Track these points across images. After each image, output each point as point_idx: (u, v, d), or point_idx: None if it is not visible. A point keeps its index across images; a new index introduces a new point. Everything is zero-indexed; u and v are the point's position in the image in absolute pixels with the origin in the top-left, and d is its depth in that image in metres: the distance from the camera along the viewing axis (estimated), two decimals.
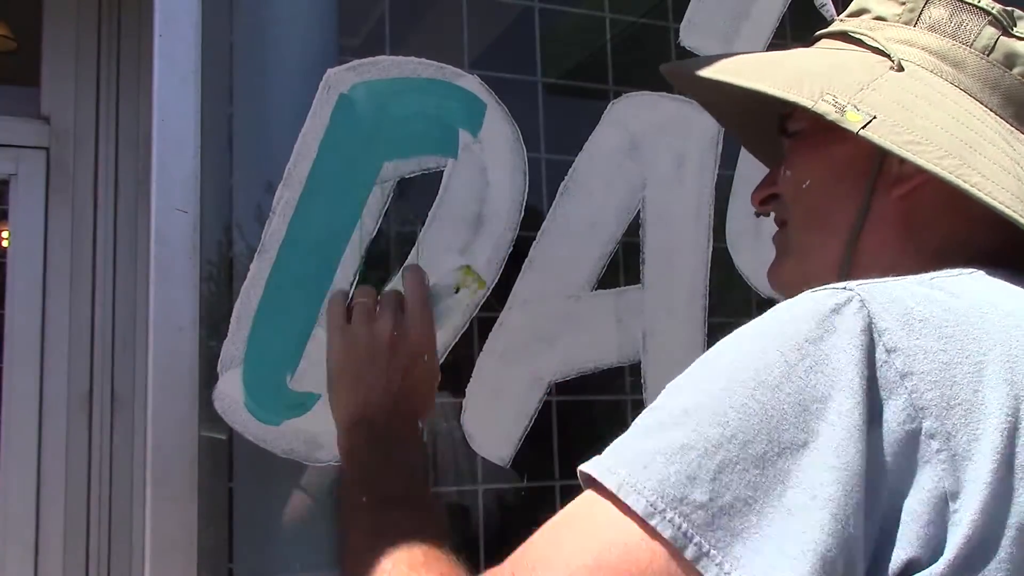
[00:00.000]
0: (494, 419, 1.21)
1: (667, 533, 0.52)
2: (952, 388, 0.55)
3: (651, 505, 0.53)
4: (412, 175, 1.18)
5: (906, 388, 0.55)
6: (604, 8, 1.46)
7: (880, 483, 0.53)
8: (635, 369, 1.30)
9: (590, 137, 1.29)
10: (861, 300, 0.58)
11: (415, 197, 1.25)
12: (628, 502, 0.54)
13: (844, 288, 0.59)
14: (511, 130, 1.21)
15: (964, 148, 0.69)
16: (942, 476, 0.53)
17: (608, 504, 0.56)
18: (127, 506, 1.50)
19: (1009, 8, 0.78)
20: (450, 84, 1.18)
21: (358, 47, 1.37)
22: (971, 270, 0.66)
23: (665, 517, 0.53)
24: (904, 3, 0.79)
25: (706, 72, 0.81)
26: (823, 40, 0.85)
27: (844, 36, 0.82)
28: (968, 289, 0.63)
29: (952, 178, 0.66)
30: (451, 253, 1.18)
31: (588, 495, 0.59)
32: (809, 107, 0.71)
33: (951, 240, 0.73)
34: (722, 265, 1.34)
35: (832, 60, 0.79)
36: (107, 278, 1.53)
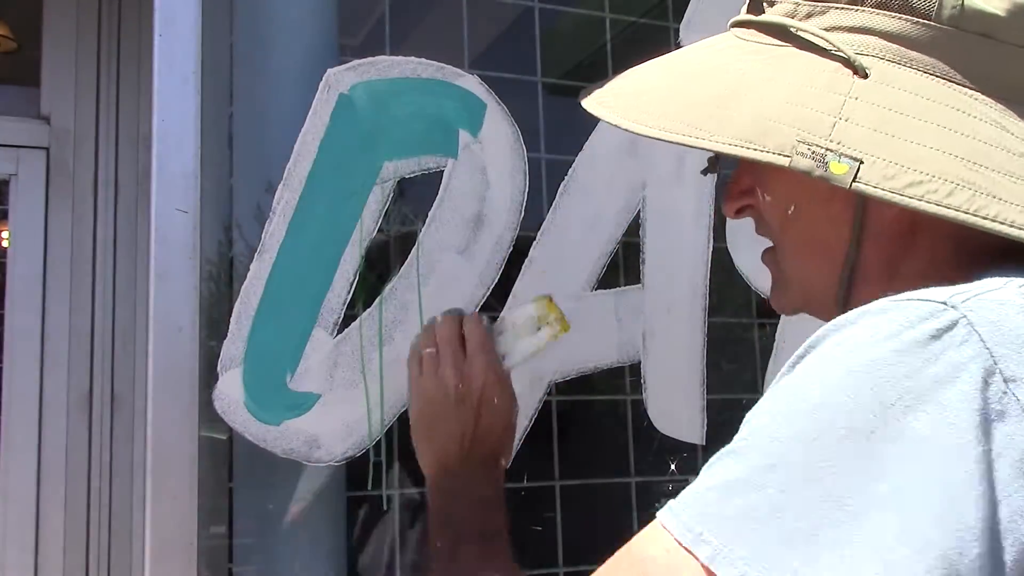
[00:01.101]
0: None
1: None
2: None
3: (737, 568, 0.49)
4: (412, 175, 1.18)
5: None
6: (604, 8, 1.46)
7: (1008, 527, 0.49)
8: (635, 369, 1.30)
9: (590, 137, 1.29)
10: (968, 323, 0.52)
11: (415, 197, 1.25)
12: (721, 574, 0.50)
13: (945, 306, 0.53)
14: (511, 130, 1.21)
15: (969, 170, 0.61)
16: None
17: (699, 570, 0.51)
18: (127, 506, 1.50)
19: None
20: (450, 84, 1.19)
21: (358, 47, 1.37)
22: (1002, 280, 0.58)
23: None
24: None
25: (650, 127, 0.68)
26: (751, 30, 0.72)
27: (780, 30, 0.70)
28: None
29: (969, 217, 0.59)
30: (451, 253, 1.18)
31: (672, 551, 0.52)
32: (787, 166, 0.62)
33: (964, 241, 0.65)
34: (722, 265, 1.34)
35: (786, 86, 0.66)
36: (107, 278, 1.53)
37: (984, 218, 0.59)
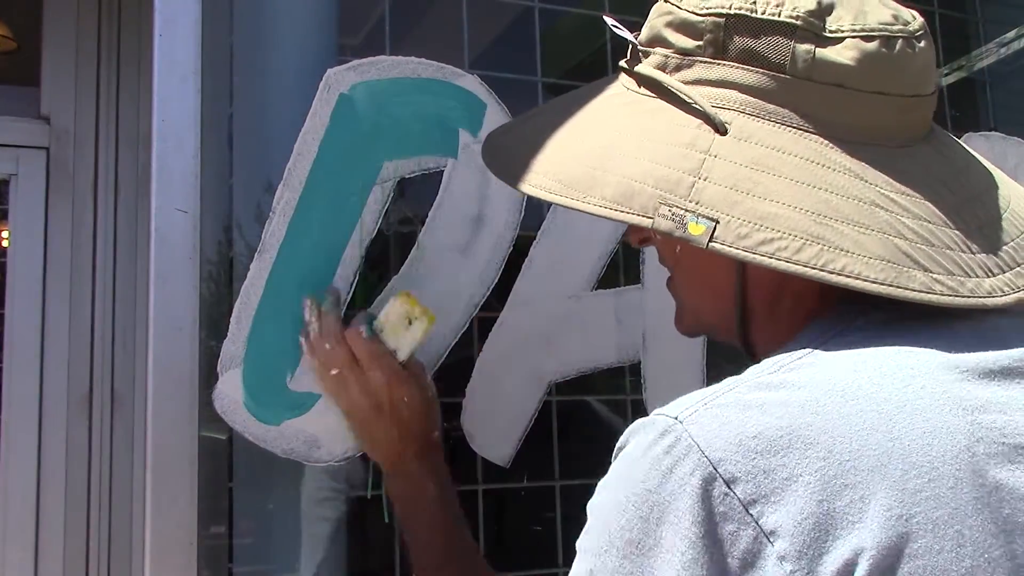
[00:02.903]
0: (494, 419, 1.21)
1: None
2: (797, 503, 0.54)
3: None
4: (412, 175, 1.18)
5: (752, 516, 0.54)
6: (604, 8, 1.46)
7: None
8: (635, 369, 1.30)
9: None
10: (689, 436, 0.57)
11: (415, 197, 1.25)
12: None
13: (676, 421, 0.59)
14: None
15: (819, 224, 0.64)
16: None
17: None
18: (127, 506, 1.50)
19: (814, 2, 0.69)
20: (450, 84, 1.18)
21: (358, 47, 1.37)
22: (806, 351, 0.63)
23: None
24: (703, 34, 0.71)
25: (531, 185, 0.74)
26: (625, 80, 0.78)
27: (653, 83, 0.74)
28: (800, 381, 0.60)
29: (815, 272, 0.63)
30: (451, 253, 1.18)
31: None
32: (649, 227, 0.67)
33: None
34: None
35: (653, 144, 0.70)
36: (107, 278, 1.53)
37: (831, 272, 0.63)
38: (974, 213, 0.69)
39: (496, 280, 1.20)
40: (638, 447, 0.60)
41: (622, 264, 1.31)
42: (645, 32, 0.78)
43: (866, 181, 0.67)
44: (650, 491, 0.57)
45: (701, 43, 0.71)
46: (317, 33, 1.31)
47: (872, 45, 0.68)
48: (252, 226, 1.19)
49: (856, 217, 0.65)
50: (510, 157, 0.80)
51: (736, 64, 0.70)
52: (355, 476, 1.29)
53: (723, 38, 0.70)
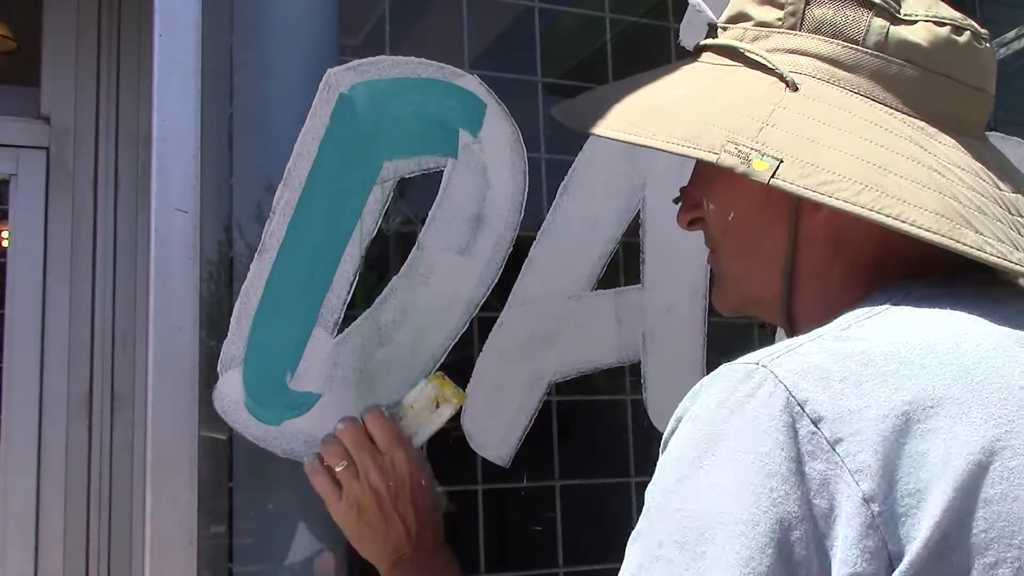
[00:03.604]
0: (494, 419, 1.22)
1: None
2: (883, 445, 0.54)
3: None
4: (412, 175, 1.18)
5: (838, 455, 0.55)
6: (604, 8, 1.46)
7: (830, 560, 0.54)
8: (635, 369, 1.30)
9: (590, 137, 1.29)
10: (775, 377, 0.58)
11: (415, 197, 1.25)
12: None
13: (757, 365, 0.59)
14: (511, 130, 1.21)
15: (879, 174, 0.66)
16: (886, 539, 0.53)
17: None
18: (127, 506, 1.50)
19: None
20: (450, 84, 1.18)
21: (358, 47, 1.37)
22: (887, 307, 0.65)
23: None
24: (783, 6, 0.75)
25: (604, 128, 0.77)
26: (710, 54, 0.80)
27: (731, 51, 0.77)
28: (879, 333, 0.61)
29: (872, 215, 0.65)
30: (451, 253, 1.18)
31: None
32: (714, 162, 0.69)
33: (885, 248, 0.71)
34: None
35: (725, 95, 0.74)
36: (107, 278, 1.53)
37: (887, 216, 0.64)
38: (1021, 206, 0.71)
39: (496, 280, 1.20)
40: (715, 397, 0.59)
41: (622, 264, 1.31)
42: (727, 11, 0.80)
43: (926, 150, 0.69)
44: (735, 433, 0.57)
45: (781, 15, 0.75)
46: (317, 33, 1.31)
47: (943, 30, 0.72)
48: (252, 226, 1.19)
49: (915, 175, 0.67)
50: (582, 110, 0.82)
51: (813, 35, 0.73)
52: None
53: (803, 10, 0.74)
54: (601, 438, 1.40)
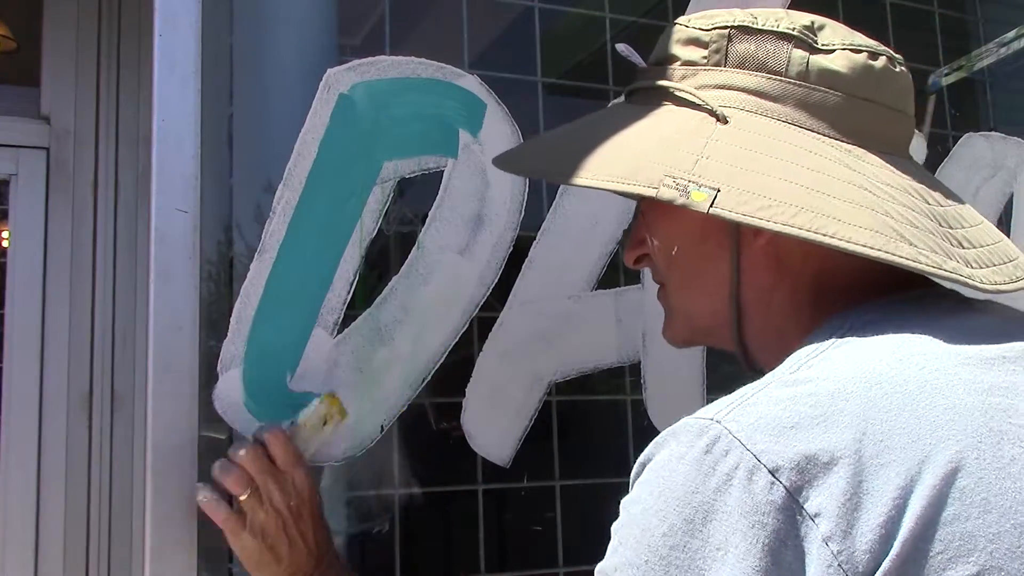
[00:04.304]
0: (494, 419, 1.22)
1: None
2: (839, 485, 0.56)
3: None
4: (412, 175, 1.18)
5: (799, 502, 0.56)
6: (604, 8, 1.46)
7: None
8: (635, 369, 1.30)
9: None
10: (729, 433, 0.59)
11: (415, 197, 1.25)
12: None
13: (711, 420, 0.60)
14: (511, 130, 1.21)
15: (813, 196, 0.68)
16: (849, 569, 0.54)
17: None
18: (127, 506, 1.50)
19: (808, 20, 0.77)
20: (450, 84, 1.18)
21: (358, 47, 1.37)
22: (833, 341, 0.66)
23: None
24: (707, 44, 0.77)
25: (544, 173, 0.80)
26: (640, 95, 0.82)
27: (661, 92, 0.80)
28: (825, 373, 0.63)
29: (809, 235, 0.66)
30: (451, 253, 1.18)
31: None
32: (654, 196, 0.70)
33: (826, 272, 0.73)
34: None
35: (660, 131, 0.77)
36: (107, 278, 1.53)
37: (824, 235, 0.66)
38: (951, 218, 0.74)
39: (496, 280, 1.20)
40: (673, 453, 0.61)
41: (622, 264, 1.31)
42: (654, 54, 0.83)
43: (855, 170, 0.72)
44: (694, 491, 0.58)
45: (706, 53, 0.77)
46: (317, 33, 1.31)
47: (860, 57, 0.76)
48: (252, 226, 1.19)
49: (847, 195, 0.69)
50: (522, 156, 0.87)
51: (737, 70, 0.76)
52: (355, 476, 1.30)
53: (726, 47, 0.77)
54: (601, 438, 1.40)
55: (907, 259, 0.66)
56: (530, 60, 1.38)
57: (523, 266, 1.23)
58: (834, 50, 0.75)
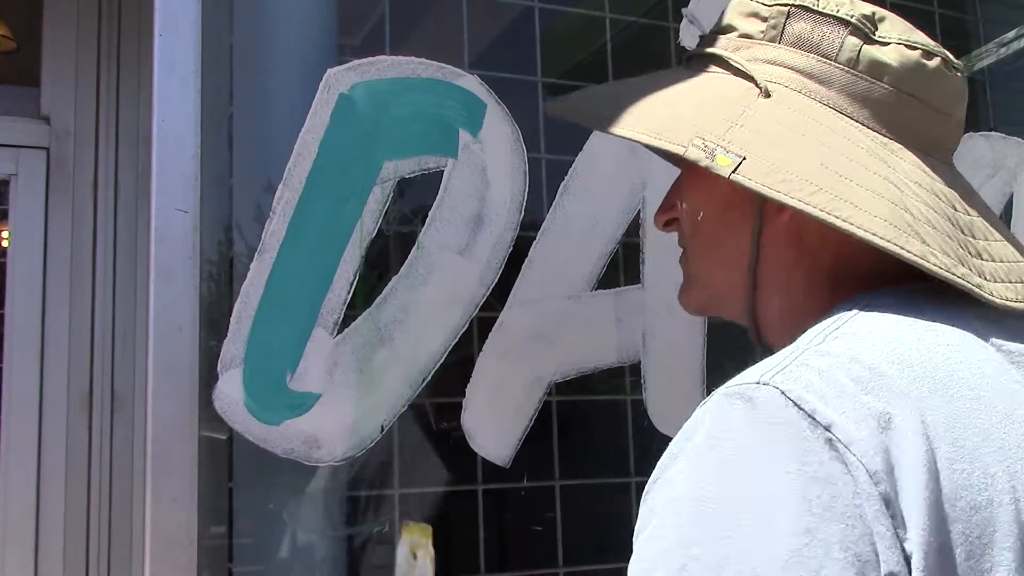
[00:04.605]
0: (494, 419, 1.21)
1: None
2: (888, 449, 0.56)
3: None
4: (412, 175, 1.18)
5: (855, 456, 0.56)
6: (604, 8, 1.46)
7: (853, 553, 0.54)
8: (635, 369, 1.30)
9: (590, 137, 1.29)
10: (780, 393, 0.59)
11: (415, 197, 1.25)
12: None
13: (756, 384, 0.60)
14: (511, 130, 1.21)
15: (835, 180, 0.69)
16: (902, 541, 0.55)
17: None
18: (127, 506, 1.50)
19: (870, 10, 0.77)
20: (450, 84, 1.18)
21: (358, 47, 1.37)
22: (854, 313, 0.66)
23: None
24: (767, 19, 0.78)
25: (587, 120, 0.82)
26: (695, 61, 0.84)
27: (714, 59, 0.81)
28: (857, 346, 0.63)
29: (823, 215, 0.67)
30: (451, 253, 1.18)
31: None
32: (681, 155, 0.72)
33: (844, 257, 0.74)
34: None
35: (702, 95, 0.78)
36: (107, 278, 1.53)
37: (837, 218, 0.67)
38: (976, 229, 0.75)
39: (496, 280, 1.20)
40: (719, 419, 0.60)
41: (622, 264, 1.31)
42: (716, 23, 0.85)
43: (886, 163, 0.72)
44: (743, 447, 0.58)
45: (763, 28, 0.78)
46: (317, 33, 1.31)
47: (914, 53, 0.76)
48: (252, 226, 1.19)
49: (870, 184, 0.70)
50: (570, 103, 0.87)
51: (790, 48, 0.77)
52: (355, 476, 1.29)
53: (784, 24, 0.78)
54: (601, 438, 1.40)
55: (915, 255, 0.66)
56: (530, 60, 1.38)
57: (523, 266, 1.23)
58: (889, 43, 0.76)
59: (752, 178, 0.69)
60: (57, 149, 1.53)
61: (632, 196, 1.30)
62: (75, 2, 1.57)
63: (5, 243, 1.54)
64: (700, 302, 0.86)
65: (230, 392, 1.08)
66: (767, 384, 0.60)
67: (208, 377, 1.07)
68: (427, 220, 1.18)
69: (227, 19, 1.24)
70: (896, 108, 0.75)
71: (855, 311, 0.67)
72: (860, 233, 0.66)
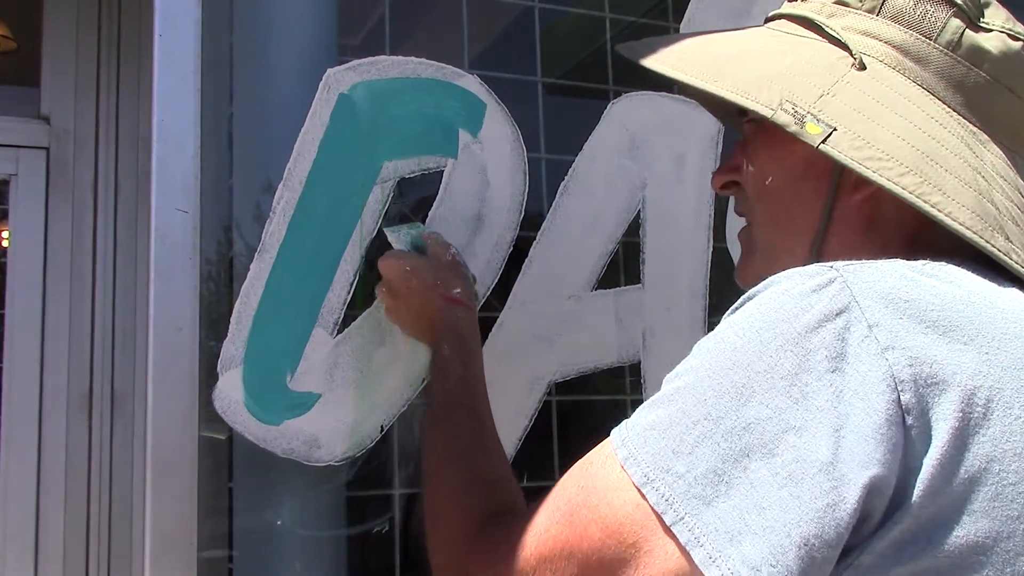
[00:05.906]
0: (494, 419, 1.21)
1: (652, 500, 0.58)
2: (932, 367, 0.56)
3: (644, 475, 0.59)
4: (412, 175, 1.18)
5: (887, 360, 0.56)
6: (604, 8, 1.46)
7: (851, 455, 0.55)
8: (635, 369, 1.30)
9: (590, 137, 1.29)
10: (844, 280, 0.59)
11: (415, 197, 1.25)
12: (629, 472, 0.60)
13: (830, 268, 0.61)
14: (511, 130, 1.21)
15: (925, 162, 0.67)
16: (909, 449, 0.55)
17: (620, 471, 0.61)
18: (127, 506, 1.50)
19: None
20: (450, 84, 1.19)
21: (358, 47, 1.37)
22: (928, 261, 0.66)
23: (653, 486, 0.59)
24: None
25: (666, 67, 0.78)
26: (783, 21, 0.81)
27: (806, 22, 0.78)
28: (957, 277, 0.63)
29: (912, 198, 0.66)
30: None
31: (610, 454, 0.64)
32: (768, 117, 0.70)
33: (914, 241, 0.72)
34: (722, 265, 1.34)
35: (793, 58, 0.75)
36: (107, 278, 1.53)
37: (926, 203, 0.66)
38: None
39: (496, 280, 1.20)
40: (782, 290, 0.61)
41: (622, 264, 1.31)
42: None
43: (973, 152, 0.71)
44: (783, 320, 0.58)
45: None
46: (317, 33, 1.31)
47: (1016, 44, 0.74)
48: (252, 226, 1.19)
49: (959, 171, 0.68)
50: (646, 49, 0.84)
51: (889, 22, 0.75)
52: (355, 476, 1.29)
53: None
54: (601, 438, 1.40)
55: (999, 251, 0.66)
56: (530, 60, 1.38)
57: (523, 266, 1.23)
58: (992, 30, 0.73)
59: (842, 151, 0.67)
60: (57, 149, 1.53)
61: (632, 196, 1.30)
62: (75, 2, 1.57)
63: (5, 243, 1.54)
64: (758, 276, 0.83)
65: (230, 392, 1.08)
66: (838, 271, 0.60)
67: (208, 377, 1.07)
68: (427, 220, 1.18)
69: (227, 19, 1.24)
70: (989, 98, 0.73)
71: (928, 261, 0.65)
72: (948, 221, 0.65)
